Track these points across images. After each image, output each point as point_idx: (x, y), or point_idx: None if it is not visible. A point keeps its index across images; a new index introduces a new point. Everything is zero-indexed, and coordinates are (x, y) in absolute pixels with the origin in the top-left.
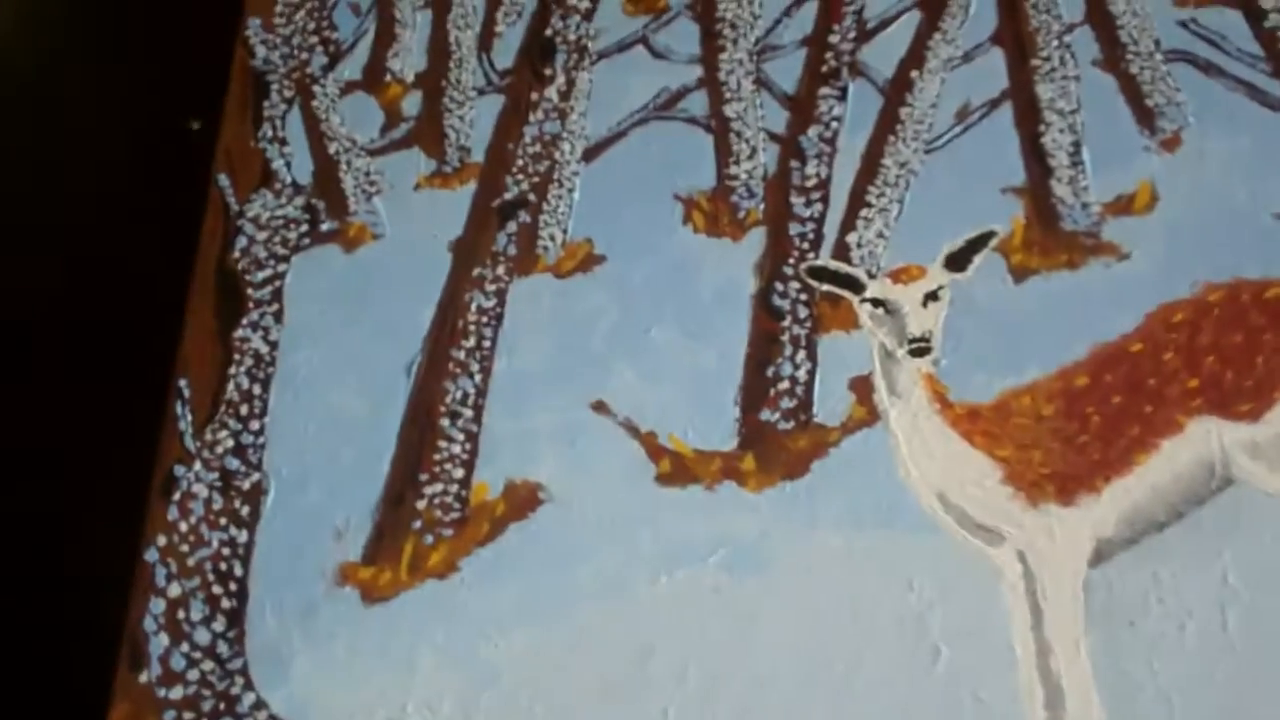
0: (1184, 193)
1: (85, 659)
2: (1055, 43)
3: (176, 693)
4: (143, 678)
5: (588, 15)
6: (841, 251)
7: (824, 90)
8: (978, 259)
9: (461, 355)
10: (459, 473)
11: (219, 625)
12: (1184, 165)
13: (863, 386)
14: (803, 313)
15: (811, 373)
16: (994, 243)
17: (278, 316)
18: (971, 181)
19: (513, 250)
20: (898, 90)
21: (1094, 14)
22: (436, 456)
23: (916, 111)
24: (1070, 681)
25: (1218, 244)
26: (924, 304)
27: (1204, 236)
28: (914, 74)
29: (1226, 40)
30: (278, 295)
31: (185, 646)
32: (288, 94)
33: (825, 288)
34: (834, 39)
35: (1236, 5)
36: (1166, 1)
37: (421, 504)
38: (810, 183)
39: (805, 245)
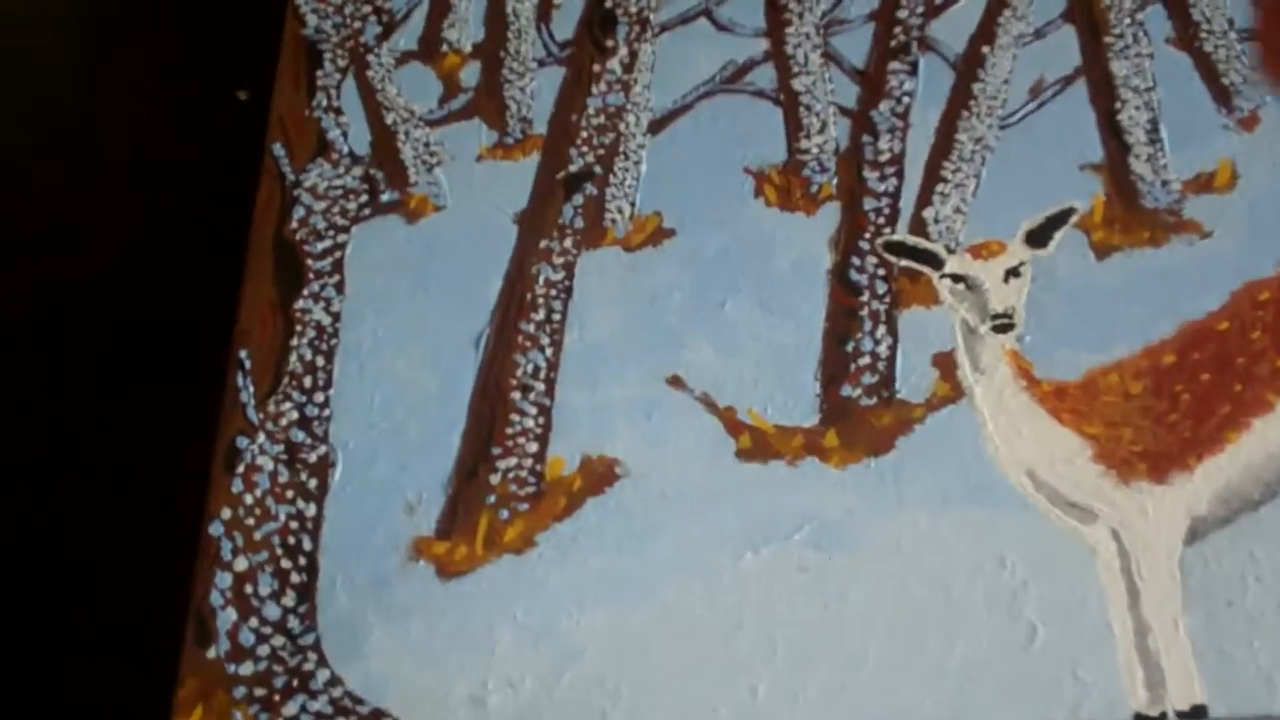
0: (1264, 171)
1: (150, 635)
2: (1127, 20)
3: (247, 668)
4: (211, 653)
5: None
6: (918, 227)
7: (894, 65)
8: (1058, 235)
9: (531, 328)
10: (533, 447)
11: (289, 600)
12: (1263, 144)
13: (945, 362)
14: (881, 288)
15: (892, 348)
16: (1074, 219)
17: (339, 288)
18: (1048, 158)
19: (580, 223)
20: (969, 66)
21: None
22: (509, 430)
23: (989, 87)
24: (1170, 661)
25: None
26: (1005, 280)
27: None
28: (985, 50)
29: None
30: (338, 266)
31: (254, 621)
32: (341, 63)
33: (903, 263)
34: (902, 14)
35: None
36: None
37: (495, 478)
38: (884, 158)
39: (881, 220)
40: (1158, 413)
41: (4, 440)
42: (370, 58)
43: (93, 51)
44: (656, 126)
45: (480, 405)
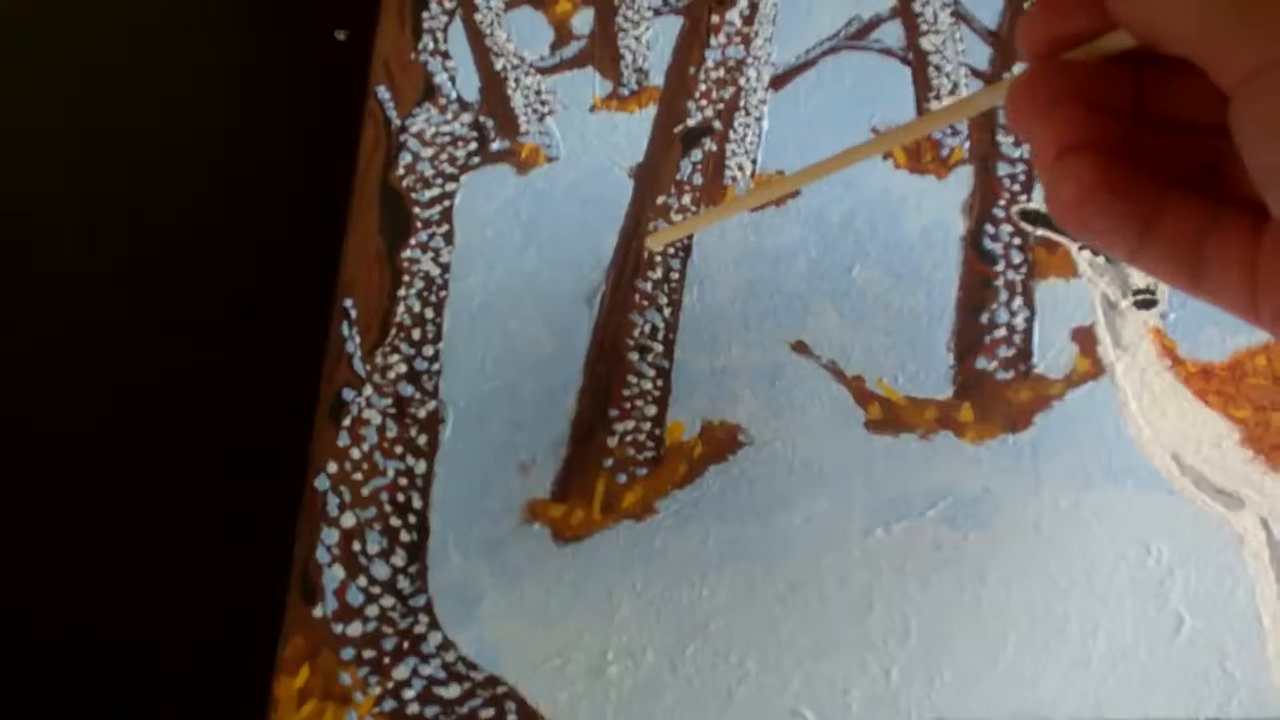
0: None
1: (255, 590)
2: None
3: (355, 629)
4: (317, 612)
5: None
6: None
7: None
8: None
9: (648, 287)
10: (651, 410)
11: (399, 559)
12: None
13: (1085, 337)
14: (1017, 258)
15: (1029, 321)
16: None
17: (448, 238)
18: None
19: (699, 179)
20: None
21: None
22: (626, 392)
23: None
24: None
25: None
26: None
27: None
28: None
29: None
30: (447, 216)
31: (363, 580)
32: (449, 6)
33: (1040, 232)
34: None
35: None
36: None
37: (613, 441)
38: None
39: (1016, 187)
40: None
41: (105, 393)
42: (479, 1)
43: None
44: (779, 82)
45: (597, 366)
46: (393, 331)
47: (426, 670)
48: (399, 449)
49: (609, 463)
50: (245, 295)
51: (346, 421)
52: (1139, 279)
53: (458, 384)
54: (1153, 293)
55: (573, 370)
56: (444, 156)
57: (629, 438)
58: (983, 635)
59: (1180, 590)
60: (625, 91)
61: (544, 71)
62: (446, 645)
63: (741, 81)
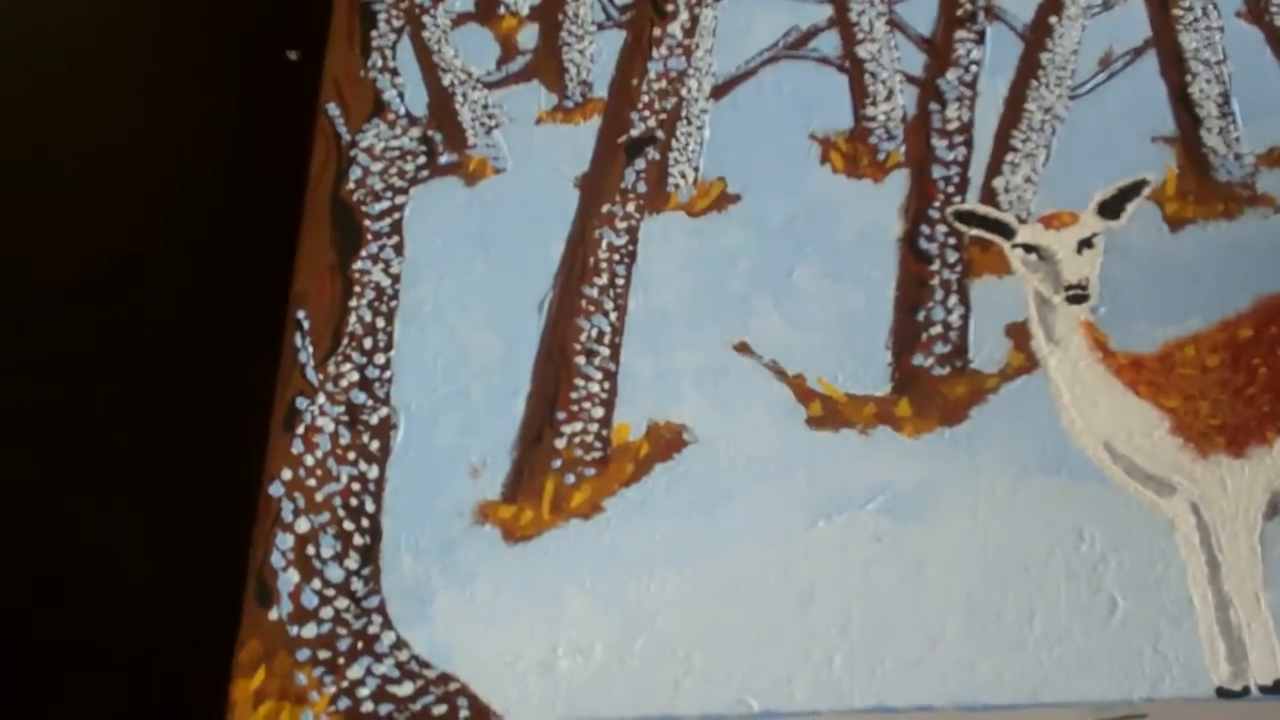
0: None
1: (210, 595)
2: None
3: (310, 630)
4: (273, 614)
5: None
6: (989, 196)
7: (960, 34)
8: (1131, 207)
9: (594, 293)
10: (599, 412)
11: (352, 562)
12: None
13: (1019, 333)
14: (951, 257)
15: (965, 317)
16: (1147, 191)
17: (398, 249)
18: (1119, 129)
19: (642, 187)
20: (1038, 35)
21: None
22: (574, 395)
23: (1058, 57)
24: (1253, 635)
25: None
26: (1078, 250)
27: None
28: (1053, 20)
29: None
30: (397, 228)
31: (317, 583)
32: (396, 24)
33: (974, 232)
34: None
35: None
36: None
37: (561, 443)
38: (952, 126)
39: (950, 189)
40: (1235, 386)
41: (62, 401)
42: (426, 19)
43: (141, 13)
44: (719, 92)
45: (544, 369)
46: (345, 341)
47: (380, 669)
48: (352, 455)
49: (557, 464)
50: (200, 306)
51: (300, 429)
52: (1071, 274)
53: (409, 391)
54: (1084, 288)
55: (521, 375)
56: (393, 170)
57: (577, 439)
58: (922, 623)
59: (1113, 575)
60: (570, 104)
61: (491, 86)
62: (400, 644)
63: (683, 92)
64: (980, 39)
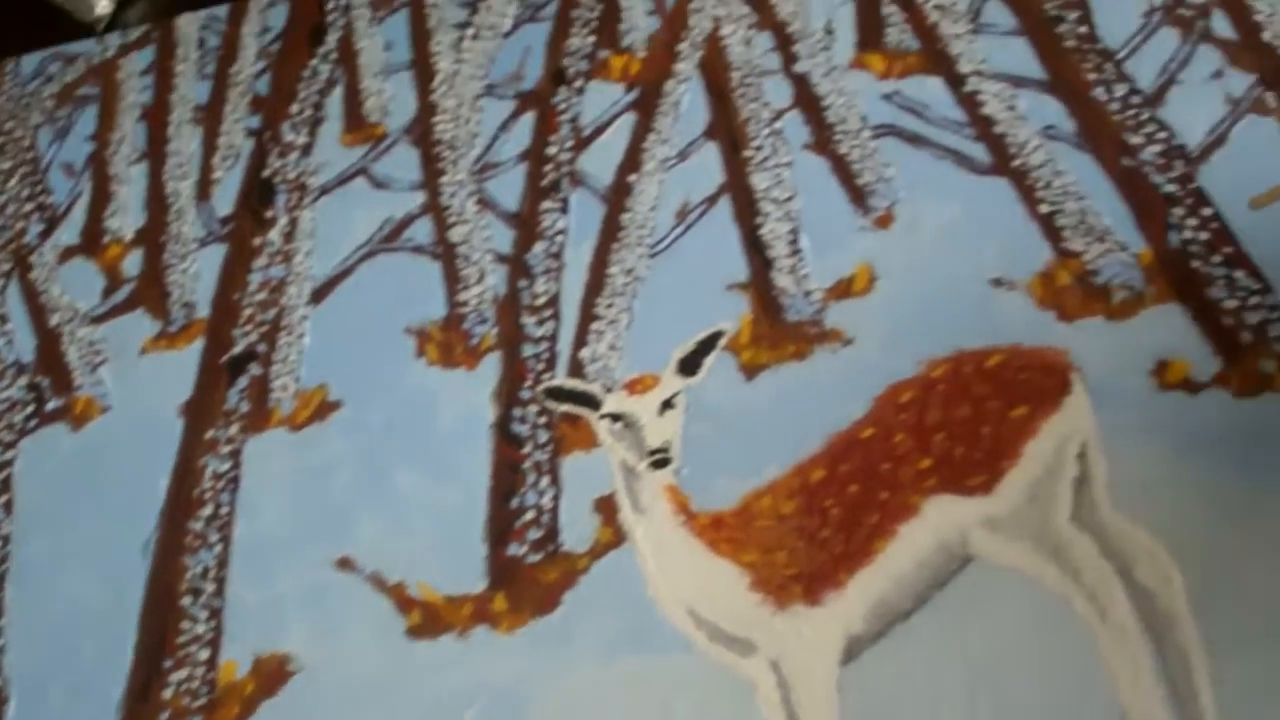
0: (901, 269)
1: None
2: (766, 130)
3: None
4: None
5: (306, 150)
6: (576, 368)
7: (546, 204)
8: (709, 360)
9: (199, 526)
10: (204, 654)
11: None
12: (898, 241)
13: (608, 507)
14: (543, 437)
15: (556, 499)
16: (723, 342)
17: (7, 507)
18: (698, 281)
19: (245, 406)
20: (618, 196)
21: (801, 97)
22: (180, 639)
23: (638, 216)
24: None
25: (938, 317)
26: (660, 413)
27: (924, 311)
28: (632, 178)
29: (929, 109)
30: (6, 485)
31: None
32: (4, 268)
33: (564, 408)
34: (552, 150)
35: (937, 72)
36: (870, 77)
37: (168, 693)
38: (540, 301)
39: (541, 366)
40: (810, 531)
41: None
42: (33, 258)
43: None
44: (319, 295)
45: (150, 617)
46: None
47: None
48: None
49: (165, 716)
50: None
51: None
52: (653, 439)
53: (22, 658)
54: (667, 451)
55: (129, 625)
56: (2, 424)
57: (184, 686)
58: None
59: None
60: (174, 328)
61: (97, 320)
62: None
63: (283, 300)
64: (565, 207)
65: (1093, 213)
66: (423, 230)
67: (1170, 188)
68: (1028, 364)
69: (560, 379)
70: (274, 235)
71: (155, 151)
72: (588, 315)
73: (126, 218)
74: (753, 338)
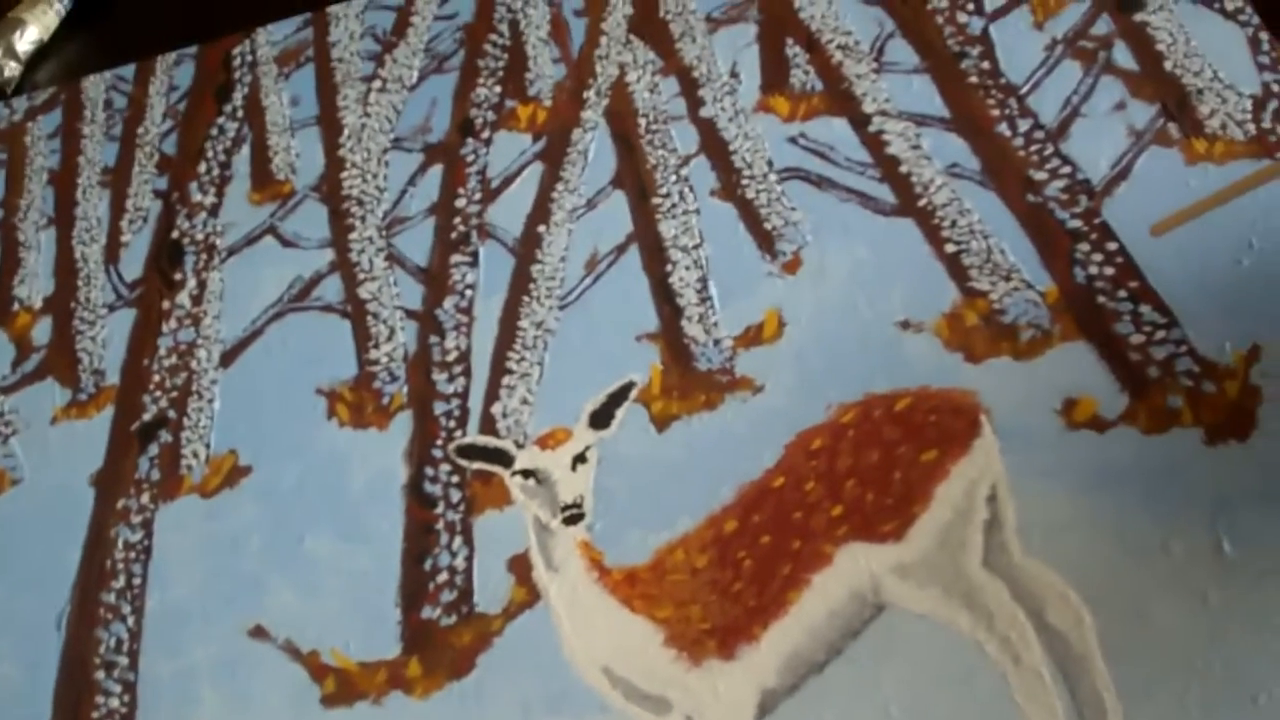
0: (809, 314)
1: None
2: (674, 178)
3: None
4: None
5: (214, 211)
6: (489, 425)
7: (456, 258)
8: (620, 412)
9: (112, 598)
10: None
11: None
12: (806, 285)
13: (521, 565)
14: (455, 496)
15: (469, 559)
16: (634, 393)
17: None
18: (608, 332)
19: (156, 475)
20: (527, 248)
21: (708, 143)
22: (95, 715)
23: (547, 268)
24: None
25: (846, 361)
26: (573, 468)
27: (832, 356)
28: (541, 229)
29: (835, 150)
30: None
31: None
32: None
33: (476, 465)
34: (460, 203)
35: (841, 113)
36: (775, 120)
37: None
38: (451, 357)
39: (452, 424)
40: (723, 584)
41: None
42: None
43: None
44: (228, 358)
45: (64, 693)
46: None
47: None
48: None
49: None
50: None
51: None
52: (566, 495)
53: None
54: (579, 506)
55: (44, 704)
56: None
57: None
58: None
59: None
60: (84, 396)
61: (7, 390)
62: None
63: (193, 365)
64: (474, 260)
65: (998, 250)
66: (332, 288)
67: (1075, 223)
68: (936, 406)
69: (472, 436)
70: (183, 298)
71: (63, 216)
72: (499, 369)
73: (35, 284)
74: (663, 388)
